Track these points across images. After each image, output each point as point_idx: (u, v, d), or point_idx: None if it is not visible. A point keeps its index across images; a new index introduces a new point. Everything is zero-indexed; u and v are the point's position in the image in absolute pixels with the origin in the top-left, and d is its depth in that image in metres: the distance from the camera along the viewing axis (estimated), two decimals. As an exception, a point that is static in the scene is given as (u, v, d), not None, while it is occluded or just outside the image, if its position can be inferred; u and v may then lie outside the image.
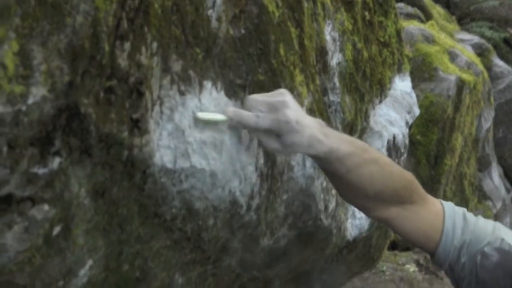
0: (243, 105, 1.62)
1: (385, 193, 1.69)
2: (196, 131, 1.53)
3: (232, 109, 1.60)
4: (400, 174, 1.72)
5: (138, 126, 1.38)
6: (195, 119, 1.54)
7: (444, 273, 1.85)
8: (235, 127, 1.62)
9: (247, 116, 1.57)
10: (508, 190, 8.39)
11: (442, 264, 1.80)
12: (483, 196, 7.59)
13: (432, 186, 6.43)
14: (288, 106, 1.55)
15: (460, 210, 1.82)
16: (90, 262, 1.39)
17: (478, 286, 1.59)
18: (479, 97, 6.87)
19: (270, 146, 1.58)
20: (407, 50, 6.05)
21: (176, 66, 1.50)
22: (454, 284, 1.85)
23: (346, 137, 1.68)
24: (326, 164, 1.63)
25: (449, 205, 1.81)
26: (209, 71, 1.60)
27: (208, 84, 1.59)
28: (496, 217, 7.66)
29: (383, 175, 1.67)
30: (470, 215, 1.81)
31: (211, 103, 1.58)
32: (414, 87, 4.26)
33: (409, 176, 1.75)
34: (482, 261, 1.59)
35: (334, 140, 1.59)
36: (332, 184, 1.81)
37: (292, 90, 1.82)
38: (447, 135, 6.36)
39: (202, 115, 1.55)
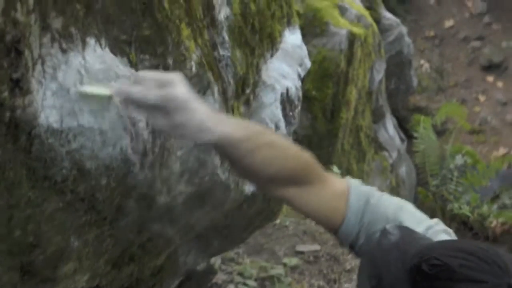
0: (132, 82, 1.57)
1: (280, 175, 1.67)
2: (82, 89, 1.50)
3: (118, 85, 1.55)
4: (297, 156, 1.70)
5: (19, 86, 1.34)
6: (78, 93, 1.49)
7: None
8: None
9: (133, 91, 1.51)
10: (402, 140, 8.61)
11: (343, 243, 1.77)
12: (379, 147, 7.77)
13: (329, 140, 6.53)
14: (176, 85, 1.52)
15: (366, 190, 1.77)
16: (-23, 229, 1.35)
17: (370, 265, 1.52)
18: (370, 50, 6.99)
19: (157, 123, 1.53)
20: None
21: (56, 23, 1.46)
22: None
23: (242, 122, 1.68)
24: (220, 150, 1.63)
25: (355, 185, 1.77)
26: (91, 28, 1.56)
27: (91, 41, 1.55)
28: (393, 167, 7.86)
29: (278, 158, 1.65)
30: (374, 196, 1.76)
31: (96, 61, 1.55)
32: (306, 43, 4.27)
33: (307, 157, 1.72)
34: (380, 239, 1.52)
35: (226, 127, 1.56)
36: (231, 169, 1.81)
37: (179, 44, 1.80)
38: (341, 89, 6.46)
39: (85, 88, 1.50)
